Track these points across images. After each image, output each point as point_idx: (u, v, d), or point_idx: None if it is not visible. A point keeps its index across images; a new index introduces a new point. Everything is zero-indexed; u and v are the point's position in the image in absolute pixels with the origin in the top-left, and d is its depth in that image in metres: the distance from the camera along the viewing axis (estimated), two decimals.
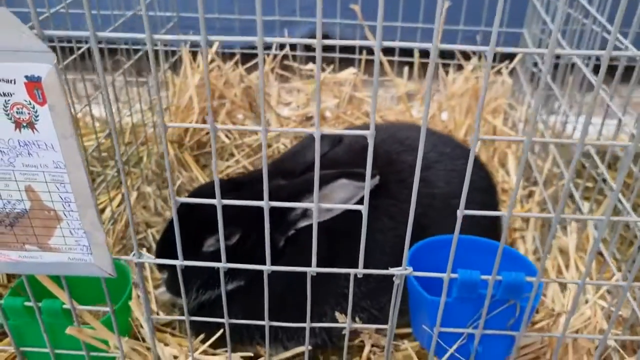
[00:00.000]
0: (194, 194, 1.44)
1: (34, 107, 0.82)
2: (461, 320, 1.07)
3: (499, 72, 2.21)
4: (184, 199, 0.91)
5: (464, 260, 1.16)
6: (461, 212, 0.90)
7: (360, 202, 1.38)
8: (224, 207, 1.26)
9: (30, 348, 1.18)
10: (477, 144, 0.82)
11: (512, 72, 2.27)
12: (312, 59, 2.30)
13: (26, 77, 0.80)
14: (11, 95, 0.82)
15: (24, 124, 0.84)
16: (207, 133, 2.13)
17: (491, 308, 1.02)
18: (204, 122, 2.16)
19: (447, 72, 2.22)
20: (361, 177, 1.36)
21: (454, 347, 1.08)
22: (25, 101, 0.82)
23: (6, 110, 0.83)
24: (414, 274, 0.98)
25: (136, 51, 1.90)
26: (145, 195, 1.86)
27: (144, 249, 1.69)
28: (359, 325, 1.07)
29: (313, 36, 0.72)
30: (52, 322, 1.11)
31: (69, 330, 1.09)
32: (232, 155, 2.11)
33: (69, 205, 0.92)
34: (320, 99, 0.79)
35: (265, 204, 0.91)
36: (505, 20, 2.17)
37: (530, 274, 0.98)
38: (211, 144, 0.81)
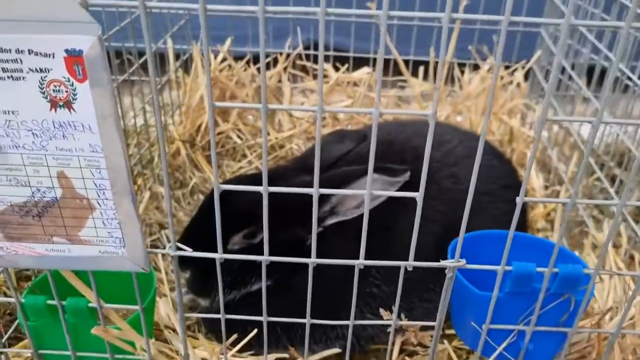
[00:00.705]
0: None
1: (72, 85, 0.77)
2: (511, 317, 1.02)
3: (513, 72, 2.18)
4: (227, 186, 0.85)
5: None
6: (521, 199, 0.86)
7: (390, 197, 1.35)
8: (249, 204, 1.20)
9: (49, 351, 1.11)
10: (543, 124, 0.78)
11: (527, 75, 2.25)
12: (326, 59, 2.25)
13: (66, 51, 0.74)
14: (48, 71, 0.76)
15: (61, 104, 0.79)
16: (219, 133, 2.08)
17: (543, 303, 0.97)
18: (215, 122, 2.10)
19: (462, 72, 2.20)
20: (391, 173, 1.32)
21: (504, 344, 1.03)
22: (64, 78, 0.76)
23: (42, 88, 0.77)
24: (466, 267, 0.93)
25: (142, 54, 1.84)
26: (158, 195, 1.80)
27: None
28: (404, 322, 1.02)
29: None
30: (75, 322, 1.04)
31: (94, 330, 1.02)
32: (244, 156, 2.06)
33: (104, 193, 0.86)
34: (381, 72, 0.74)
35: (315, 191, 0.85)
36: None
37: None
38: (262, 125, 0.76)
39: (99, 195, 0.87)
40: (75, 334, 1.08)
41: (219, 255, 0.93)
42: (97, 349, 1.09)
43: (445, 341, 1.22)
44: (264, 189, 0.86)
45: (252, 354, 1.30)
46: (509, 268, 0.94)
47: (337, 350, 1.30)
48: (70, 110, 0.79)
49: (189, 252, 0.93)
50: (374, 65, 2.22)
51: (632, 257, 1.48)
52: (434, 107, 0.79)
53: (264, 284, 0.96)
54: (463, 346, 1.37)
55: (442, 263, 0.93)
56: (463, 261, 0.92)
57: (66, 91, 0.77)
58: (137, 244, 0.91)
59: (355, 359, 1.43)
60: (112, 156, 0.82)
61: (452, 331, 1.39)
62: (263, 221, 0.89)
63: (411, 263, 0.93)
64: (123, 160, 0.82)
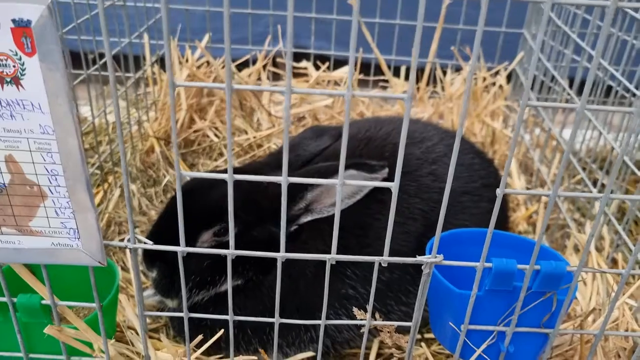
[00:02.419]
0: (192, 183, 1.32)
1: (20, 59, 0.71)
2: (491, 317, 0.97)
3: (496, 74, 2.16)
4: (191, 173, 0.80)
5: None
6: (501, 191, 0.81)
7: (369, 194, 1.30)
8: (221, 200, 1.15)
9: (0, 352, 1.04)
10: (524, 110, 0.73)
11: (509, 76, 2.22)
12: (305, 56, 2.21)
13: (13, 21, 0.68)
14: None
15: (8, 79, 0.73)
16: (195, 131, 2.02)
17: (525, 303, 0.93)
18: (192, 120, 2.04)
19: (444, 73, 2.16)
20: (370, 168, 1.27)
21: (482, 347, 0.98)
22: (11, 51, 0.70)
23: None
24: (443, 263, 0.88)
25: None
26: (129, 193, 1.72)
27: (127, 250, 1.55)
28: (379, 322, 0.96)
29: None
30: (28, 321, 0.98)
31: (48, 330, 0.95)
32: (220, 154, 2.00)
33: (56, 179, 0.80)
34: (354, 52, 0.69)
35: (284, 179, 0.80)
36: (505, 20, 2.13)
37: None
38: (226, 107, 0.71)
39: (50, 182, 0.80)
40: (28, 334, 1.01)
41: (181, 249, 0.87)
42: (53, 350, 1.02)
43: (424, 344, 1.17)
44: (229, 177, 0.80)
45: (221, 357, 1.24)
46: (488, 265, 0.89)
47: (310, 354, 1.24)
48: (18, 87, 0.73)
49: (149, 245, 0.87)
50: (355, 64, 2.18)
51: (614, 261, 1.44)
52: (410, 88, 0.74)
53: (229, 280, 0.90)
54: (442, 350, 1.32)
55: (419, 259, 0.88)
56: (440, 257, 0.88)
57: (14, 66, 0.71)
58: (93, 235, 0.85)
59: None
60: (65, 139, 0.76)
61: (431, 335, 1.35)
62: (228, 211, 0.83)
63: (385, 259, 0.88)
64: (77, 143, 0.76)
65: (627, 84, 1.23)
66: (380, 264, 1.32)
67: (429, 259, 0.87)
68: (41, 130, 0.76)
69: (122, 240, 1.62)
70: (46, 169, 0.79)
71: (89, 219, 0.83)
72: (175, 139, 0.77)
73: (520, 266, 0.89)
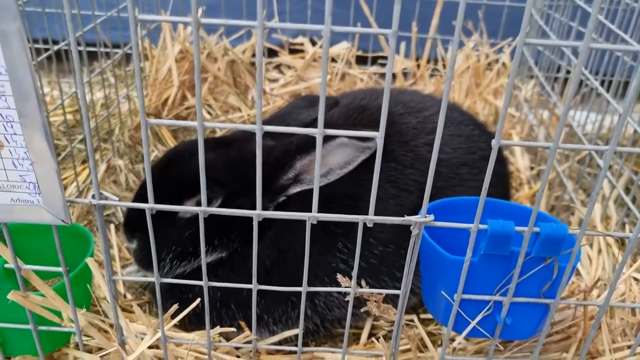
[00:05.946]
0: (175, 151, 1.26)
1: None
2: (486, 286, 0.90)
3: (500, 50, 2.08)
4: (155, 120, 0.73)
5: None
6: (497, 143, 0.74)
7: (362, 165, 1.23)
8: (205, 168, 1.09)
9: None
10: (522, 47, 0.66)
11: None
12: (303, 33, 2.14)
13: None
14: None
15: None
16: (187, 108, 1.95)
17: (523, 270, 0.86)
18: (184, 97, 1.98)
19: (446, 50, 2.09)
20: (362, 137, 1.21)
21: (477, 318, 0.91)
22: None
23: None
24: (434, 224, 0.81)
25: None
26: (116, 168, 1.67)
27: (112, 225, 1.50)
28: (365, 290, 0.89)
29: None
30: None
31: (11, 295, 0.89)
32: (213, 132, 1.93)
33: (12, 126, 0.74)
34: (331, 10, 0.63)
35: (258, 128, 0.73)
36: None
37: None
38: (195, 82, 0.64)
39: (6, 129, 0.74)
40: None
41: (149, 206, 0.80)
42: (19, 318, 0.96)
43: (416, 318, 1.10)
44: (198, 124, 0.74)
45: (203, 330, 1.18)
46: (483, 227, 0.82)
47: (290, 332, 1.17)
48: None
49: (114, 201, 0.80)
50: (353, 40, 2.11)
51: (621, 241, 1.37)
52: (395, 23, 0.67)
53: (202, 242, 0.84)
54: (439, 330, 1.25)
55: (407, 218, 0.81)
56: (431, 217, 0.81)
57: None
58: (55, 190, 0.78)
59: (319, 342, 1.31)
60: (19, 79, 0.70)
61: (428, 315, 1.28)
62: (202, 176, 0.77)
63: (370, 218, 0.81)
64: (31, 82, 0.70)
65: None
66: (373, 240, 1.26)
67: (418, 219, 0.81)
68: None
69: (107, 216, 1.57)
70: (0, 115, 0.73)
71: (49, 171, 0.77)
72: (142, 108, 0.70)
73: (518, 228, 0.82)
